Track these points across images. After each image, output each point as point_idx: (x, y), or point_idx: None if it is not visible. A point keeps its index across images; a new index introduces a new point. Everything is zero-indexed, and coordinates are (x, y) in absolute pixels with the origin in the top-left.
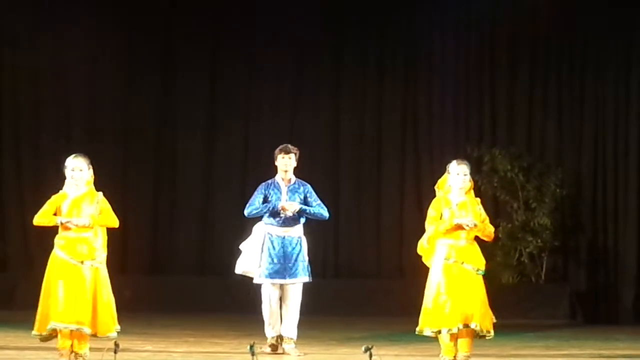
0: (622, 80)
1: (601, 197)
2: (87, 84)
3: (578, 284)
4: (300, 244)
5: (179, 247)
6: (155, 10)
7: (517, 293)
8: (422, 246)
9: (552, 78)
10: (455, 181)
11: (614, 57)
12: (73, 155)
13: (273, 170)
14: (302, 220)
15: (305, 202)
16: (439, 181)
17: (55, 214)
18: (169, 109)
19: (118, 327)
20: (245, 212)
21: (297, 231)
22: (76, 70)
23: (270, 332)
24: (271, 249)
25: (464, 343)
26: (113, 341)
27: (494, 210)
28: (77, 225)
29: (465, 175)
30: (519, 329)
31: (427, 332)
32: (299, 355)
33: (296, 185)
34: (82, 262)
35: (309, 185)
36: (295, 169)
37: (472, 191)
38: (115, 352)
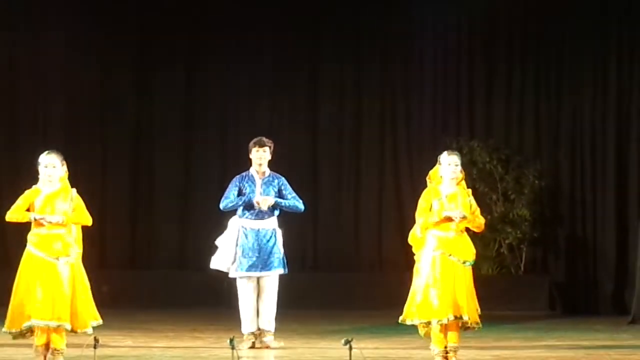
0: (600, 72)
1: (580, 188)
2: (63, 80)
3: (557, 275)
4: (275, 236)
5: (158, 241)
6: (130, 9)
7: (497, 284)
8: (415, 236)
9: (529, 70)
10: (446, 172)
11: (592, 49)
12: (46, 152)
13: (249, 164)
14: (276, 212)
15: (279, 194)
16: (431, 172)
17: (28, 210)
18: (146, 104)
19: (100, 321)
20: (221, 206)
21: (271, 223)
22: (52, 67)
23: (247, 327)
24: (245, 243)
25: (452, 334)
26: (92, 337)
27: None
28: (50, 223)
29: (456, 165)
30: (499, 320)
31: (413, 322)
32: (279, 346)
33: (270, 178)
34: (57, 259)
35: (283, 178)
36: (270, 161)
37: (463, 182)
38: (94, 347)
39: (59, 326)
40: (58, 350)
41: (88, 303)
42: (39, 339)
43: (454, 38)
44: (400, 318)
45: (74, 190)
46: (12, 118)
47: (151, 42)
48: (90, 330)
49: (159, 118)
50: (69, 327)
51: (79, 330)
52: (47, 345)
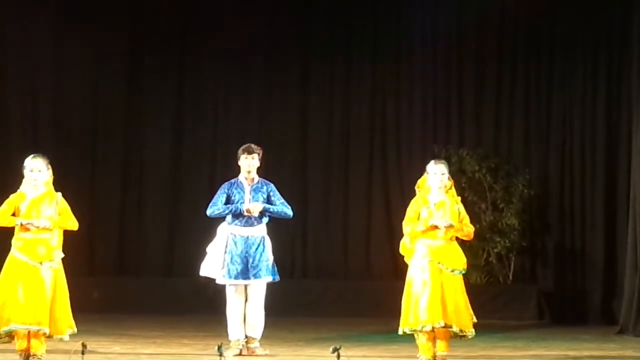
0: (589, 81)
1: (569, 197)
2: (54, 87)
3: (546, 285)
4: (264, 244)
5: (146, 248)
6: (121, 11)
7: (485, 293)
8: (405, 246)
9: (519, 79)
10: (434, 180)
11: (581, 57)
12: (32, 156)
13: (238, 171)
14: (266, 220)
15: (268, 201)
16: (419, 181)
17: (14, 214)
18: (136, 111)
19: (75, 329)
20: (208, 212)
21: (260, 231)
22: (43, 74)
23: (234, 334)
24: (234, 250)
25: (441, 343)
26: (80, 342)
27: None
28: (37, 227)
29: (442, 174)
30: (487, 330)
31: (409, 330)
32: (265, 354)
33: (259, 185)
34: (40, 263)
35: (272, 185)
36: (259, 169)
37: (452, 190)
38: (82, 353)
39: (38, 330)
40: (37, 356)
41: (66, 310)
42: (19, 344)
43: (444, 47)
44: (400, 330)
45: (59, 194)
46: (2, 126)
47: (142, 44)
48: (66, 337)
49: (148, 124)
50: (47, 331)
51: (55, 336)
52: (28, 350)
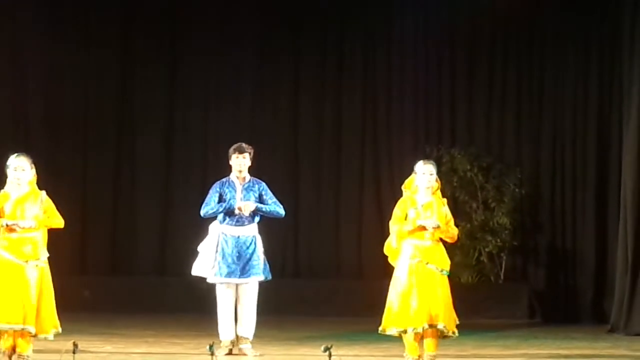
0: (581, 80)
1: (560, 196)
2: (45, 87)
3: (537, 284)
4: (255, 243)
5: (138, 247)
6: (112, 8)
7: (476, 293)
8: (390, 246)
9: (510, 78)
10: (422, 181)
11: (573, 57)
12: (15, 155)
13: (229, 170)
14: (257, 219)
15: (260, 200)
16: (406, 181)
17: None
18: (128, 110)
19: (59, 329)
20: (201, 212)
21: (251, 230)
22: (33, 73)
23: (225, 334)
24: (225, 249)
25: (430, 343)
26: (72, 342)
27: (453, 210)
28: (23, 228)
29: (431, 174)
30: (478, 329)
31: (392, 332)
32: (255, 355)
33: (251, 184)
34: (26, 262)
35: (263, 183)
36: (251, 168)
37: (439, 191)
38: (74, 352)
39: (23, 329)
40: (23, 356)
41: (51, 309)
42: (4, 343)
43: (436, 46)
44: (380, 328)
45: (44, 192)
46: None
47: (133, 42)
48: (51, 337)
49: (140, 124)
50: (33, 330)
51: (40, 335)
52: (13, 349)
